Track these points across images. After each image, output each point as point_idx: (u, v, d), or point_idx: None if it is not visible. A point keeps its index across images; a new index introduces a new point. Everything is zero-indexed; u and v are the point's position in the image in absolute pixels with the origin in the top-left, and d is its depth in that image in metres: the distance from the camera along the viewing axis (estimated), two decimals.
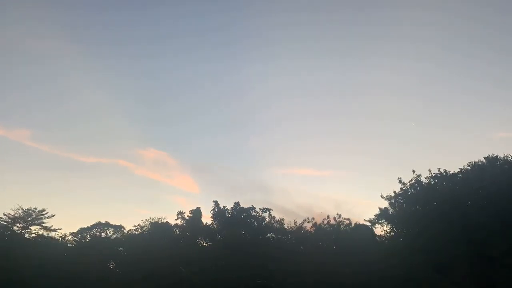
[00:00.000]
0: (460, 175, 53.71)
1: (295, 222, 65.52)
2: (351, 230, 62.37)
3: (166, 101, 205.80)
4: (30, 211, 67.52)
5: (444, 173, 54.71)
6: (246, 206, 65.09)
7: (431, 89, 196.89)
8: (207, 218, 65.31)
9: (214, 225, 64.34)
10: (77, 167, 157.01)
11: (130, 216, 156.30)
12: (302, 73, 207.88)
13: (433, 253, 46.54)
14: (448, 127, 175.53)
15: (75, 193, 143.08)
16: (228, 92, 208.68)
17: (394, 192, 57.17)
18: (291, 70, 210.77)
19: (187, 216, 65.08)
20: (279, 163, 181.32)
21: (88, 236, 71.16)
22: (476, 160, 53.95)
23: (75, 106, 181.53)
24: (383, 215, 58.14)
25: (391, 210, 57.52)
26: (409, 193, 56.02)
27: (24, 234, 66.97)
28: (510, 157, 51.84)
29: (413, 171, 56.28)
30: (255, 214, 64.68)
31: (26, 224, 67.17)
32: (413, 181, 56.07)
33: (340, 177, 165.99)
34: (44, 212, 68.42)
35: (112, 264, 65.98)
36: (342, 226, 63.32)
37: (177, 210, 66.66)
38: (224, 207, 64.40)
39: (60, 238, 68.89)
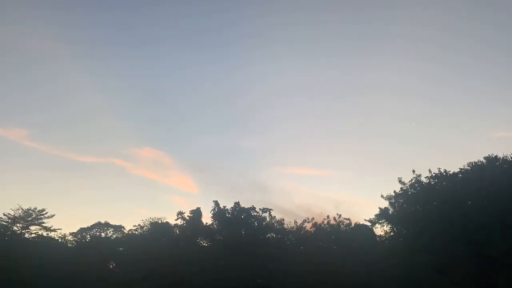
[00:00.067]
0: (460, 175, 53.71)
1: (295, 222, 65.69)
2: (351, 230, 62.40)
3: (165, 101, 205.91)
4: (30, 211, 67.51)
5: (444, 173, 54.71)
6: (246, 206, 65.14)
7: (431, 89, 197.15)
8: (207, 218, 65.43)
9: (214, 225, 64.35)
10: (75, 167, 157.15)
11: (129, 216, 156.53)
12: (301, 73, 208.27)
13: (433, 253, 46.54)
14: (448, 126, 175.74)
15: (74, 193, 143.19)
16: (227, 92, 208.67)
17: (394, 192, 57.18)
18: (291, 70, 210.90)
19: (187, 216, 65.10)
20: (279, 163, 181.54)
21: (88, 236, 71.15)
22: (476, 160, 53.97)
23: (73, 106, 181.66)
24: (383, 215, 58.15)
25: (391, 210, 57.54)
26: (409, 193, 56.02)
27: (24, 234, 66.96)
28: (510, 157, 51.85)
29: (413, 171, 56.35)
30: (255, 214, 64.69)
31: (26, 224, 67.15)
32: (413, 181, 56.07)
33: (339, 177, 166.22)
34: (44, 212, 68.43)
35: (112, 264, 66.01)
36: (342, 226, 63.37)
37: (176, 210, 67.07)
38: (224, 207, 64.41)
39: (60, 238, 68.91)
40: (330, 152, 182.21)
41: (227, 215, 63.95)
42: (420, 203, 53.67)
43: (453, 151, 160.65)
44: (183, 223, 65.26)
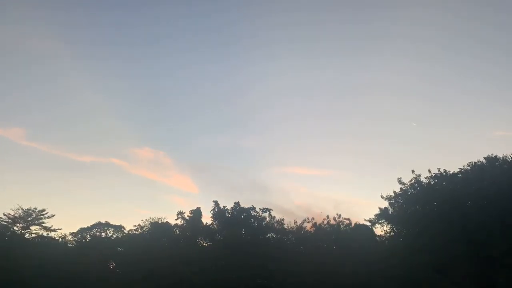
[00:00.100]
0: (460, 175, 53.74)
1: (295, 222, 65.72)
2: (351, 230, 62.41)
3: (165, 101, 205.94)
4: (30, 211, 67.57)
5: (444, 173, 54.74)
6: (246, 206, 65.13)
7: (431, 89, 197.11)
8: (206, 218, 65.45)
9: (214, 225, 64.34)
10: (75, 167, 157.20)
11: (129, 215, 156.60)
12: (301, 73, 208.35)
13: (433, 253, 46.54)
14: (447, 126, 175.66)
15: (73, 193, 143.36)
16: (227, 92, 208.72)
17: (394, 192, 57.25)
18: (290, 70, 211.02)
19: (187, 216, 65.09)
20: (279, 163, 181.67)
21: (88, 236, 71.14)
22: (476, 160, 54.03)
23: (72, 106, 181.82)
24: (383, 215, 58.16)
25: (391, 210, 57.55)
26: (409, 193, 56.05)
27: (24, 234, 66.99)
28: (510, 157, 51.87)
29: (413, 171, 56.43)
30: (255, 214, 64.68)
31: (26, 224, 67.21)
32: (412, 181, 56.12)
33: (339, 177, 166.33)
34: (44, 212, 68.52)
35: (112, 264, 66.03)
36: (342, 226, 63.37)
37: (176, 210, 67.09)
38: (224, 207, 64.40)
39: (60, 238, 68.96)
40: (330, 152, 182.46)
41: (227, 215, 63.96)
42: (420, 203, 53.68)
43: (453, 151, 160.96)
44: (183, 223, 65.27)
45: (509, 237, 42.85)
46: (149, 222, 68.42)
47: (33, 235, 67.31)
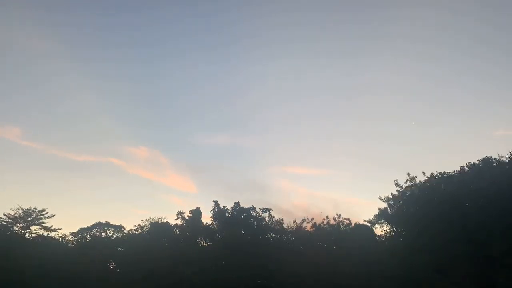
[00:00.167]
0: (458, 176, 53.86)
1: (294, 222, 65.79)
2: (351, 230, 62.39)
3: (165, 101, 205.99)
4: (30, 211, 67.56)
5: (443, 174, 54.91)
6: (246, 206, 65.15)
7: (430, 89, 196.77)
8: (206, 218, 65.50)
9: (214, 225, 64.34)
10: (71, 166, 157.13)
11: (127, 215, 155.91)
12: (301, 73, 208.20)
13: (433, 253, 46.58)
14: (447, 126, 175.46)
15: (71, 192, 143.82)
16: (226, 92, 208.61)
17: (392, 194, 57.68)
18: (290, 70, 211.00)
19: (187, 216, 65.09)
20: (277, 163, 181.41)
21: (88, 236, 71.13)
22: (475, 161, 54.22)
23: (70, 106, 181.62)
24: (382, 215, 58.26)
25: (390, 211, 57.64)
26: (408, 194, 56.32)
27: (24, 234, 66.97)
28: (507, 157, 51.95)
29: (408, 174, 57.52)
30: (255, 214, 64.69)
31: (26, 224, 67.19)
32: (408, 183, 56.75)
33: (338, 177, 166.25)
34: (44, 212, 68.50)
35: (112, 264, 66.01)
36: (341, 226, 63.36)
37: (174, 210, 67.35)
38: (224, 207, 64.42)
39: (60, 238, 68.95)
40: (329, 152, 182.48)
41: (227, 215, 63.97)
42: (419, 204, 53.76)
43: (452, 150, 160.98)
44: (183, 223, 65.26)
45: (509, 237, 42.87)
46: (149, 222, 68.44)
47: (33, 235, 67.34)
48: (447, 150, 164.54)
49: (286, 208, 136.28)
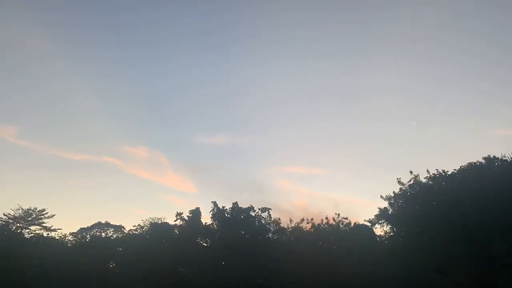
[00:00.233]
0: (459, 175, 53.80)
1: (294, 221, 65.70)
2: (351, 230, 62.36)
3: (164, 101, 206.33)
4: (30, 211, 67.57)
5: (443, 173, 54.84)
6: (245, 206, 65.14)
7: (430, 89, 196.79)
8: (205, 219, 65.55)
9: (214, 225, 64.37)
10: (70, 166, 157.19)
11: (127, 215, 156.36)
12: (300, 73, 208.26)
13: (433, 253, 46.55)
14: (447, 125, 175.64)
15: (70, 192, 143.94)
16: (226, 92, 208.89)
17: (394, 192, 57.38)
18: (289, 70, 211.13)
19: (187, 216, 65.12)
20: (277, 163, 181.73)
21: (88, 236, 71.17)
22: (475, 161, 54.15)
23: (69, 105, 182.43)
24: (382, 215, 58.19)
25: (390, 210, 57.59)
26: (409, 194, 56.13)
27: (24, 234, 66.99)
28: (509, 157, 51.93)
29: (411, 172, 56.77)
30: (254, 214, 64.66)
31: (26, 224, 67.18)
32: (412, 182, 56.31)
33: (338, 176, 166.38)
34: (44, 212, 68.51)
35: (112, 264, 66.01)
36: (341, 226, 63.29)
37: (173, 210, 67.48)
38: (223, 207, 64.42)
39: (60, 238, 68.94)
40: (329, 152, 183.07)
41: (226, 215, 63.97)
42: (419, 203, 53.72)
43: (453, 150, 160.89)
44: (183, 223, 65.28)
45: (509, 237, 42.85)
46: (148, 222, 68.54)
47: (33, 235, 67.30)
48: (447, 149, 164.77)
49: (285, 208, 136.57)
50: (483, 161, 53.47)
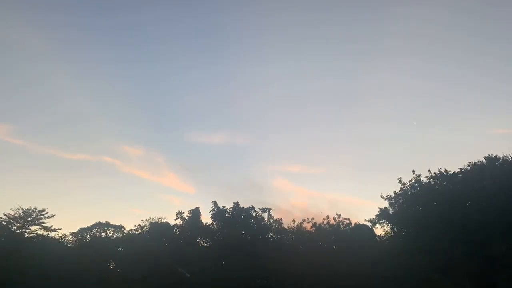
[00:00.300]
0: (460, 175, 53.62)
1: (294, 222, 65.71)
2: (351, 230, 62.34)
3: (164, 101, 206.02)
4: (30, 211, 67.59)
5: (444, 173, 54.64)
6: (245, 206, 65.18)
7: (430, 87, 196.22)
8: (205, 219, 65.62)
9: (214, 225, 64.41)
10: (68, 166, 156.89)
11: (127, 215, 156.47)
12: (299, 72, 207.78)
13: (433, 253, 46.49)
14: (447, 124, 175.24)
15: (68, 191, 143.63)
16: (226, 92, 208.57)
17: (394, 192, 57.18)
18: (289, 70, 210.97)
19: (187, 216, 65.17)
20: (276, 163, 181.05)
21: (88, 236, 71.23)
22: (476, 160, 53.88)
23: (66, 105, 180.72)
24: (383, 215, 58.03)
25: (391, 210, 57.41)
26: (409, 193, 55.94)
27: (24, 234, 67.02)
28: (510, 156, 51.81)
29: (413, 171, 56.29)
30: (254, 214, 64.74)
31: (26, 224, 67.22)
32: (413, 181, 56.03)
33: (338, 176, 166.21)
34: (44, 212, 68.54)
35: (112, 264, 66.08)
36: (342, 226, 63.30)
37: (172, 210, 67.66)
38: (224, 207, 64.47)
39: (60, 238, 69.00)
40: (330, 151, 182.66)
41: (226, 215, 64.02)
42: (420, 203, 53.61)
43: (453, 149, 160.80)
44: (183, 223, 65.32)
45: (509, 237, 42.79)
46: (148, 222, 68.59)
47: (33, 235, 67.35)
48: (447, 149, 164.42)
49: (285, 208, 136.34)
50: (484, 160, 53.29)
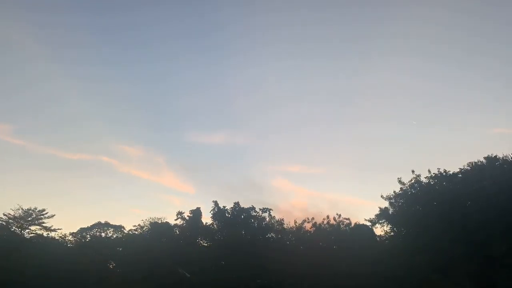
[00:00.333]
0: (460, 175, 53.66)
1: (295, 222, 65.81)
2: (351, 230, 62.39)
3: (164, 101, 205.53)
4: (30, 211, 67.62)
5: (444, 173, 54.69)
6: (245, 206, 65.21)
7: (430, 87, 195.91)
8: (205, 219, 65.64)
9: (214, 225, 64.44)
10: (67, 166, 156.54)
11: (127, 215, 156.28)
12: (300, 72, 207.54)
13: (433, 253, 46.53)
14: (447, 124, 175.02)
15: (69, 192, 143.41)
16: (225, 92, 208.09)
17: (394, 192, 57.23)
18: (289, 70, 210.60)
19: (187, 216, 65.19)
20: (276, 163, 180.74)
21: (88, 236, 71.24)
22: (476, 160, 53.93)
23: (66, 105, 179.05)
24: (383, 215, 58.07)
25: (391, 210, 57.44)
26: (409, 193, 55.98)
27: (24, 234, 67.06)
28: (510, 156, 51.83)
29: (413, 171, 56.35)
30: (255, 214, 64.76)
31: (26, 224, 67.25)
32: (413, 181, 56.08)
33: (338, 176, 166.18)
34: (44, 212, 68.56)
35: (112, 264, 66.10)
36: (342, 226, 63.36)
37: (172, 210, 67.70)
38: (224, 207, 64.48)
39: (60, 238, 69.03)
40: (330, 151, 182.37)
41: (226, 215, 64.04)
42: (420, 203, 53.64)
43: (453, 149, 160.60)
44: (183, 223, 65.35)
45: (509, 237, 42.82)
46: (148, 222, 68.62)
47: (33, 235, 67.38)
48: (447, 148, 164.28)
49: (285, 208, 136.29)
50: (484, 160, 53.31)
